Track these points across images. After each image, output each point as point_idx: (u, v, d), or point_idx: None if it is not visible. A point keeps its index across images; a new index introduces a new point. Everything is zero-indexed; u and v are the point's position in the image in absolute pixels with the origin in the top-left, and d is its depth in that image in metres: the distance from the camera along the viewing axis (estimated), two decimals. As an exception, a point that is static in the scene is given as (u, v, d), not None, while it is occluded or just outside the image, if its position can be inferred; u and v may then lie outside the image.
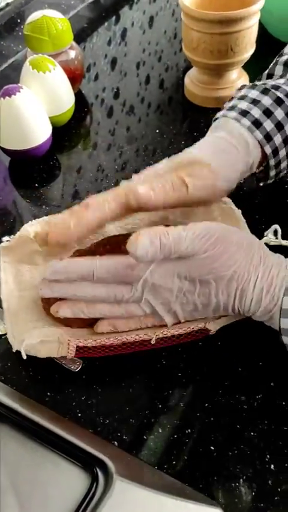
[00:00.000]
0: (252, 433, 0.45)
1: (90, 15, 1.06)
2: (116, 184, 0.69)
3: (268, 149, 0.55)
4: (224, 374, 0.49)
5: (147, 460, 0.44)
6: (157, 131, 0.77)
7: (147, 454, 0.44)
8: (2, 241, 0.56)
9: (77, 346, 0.48)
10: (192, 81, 0.79)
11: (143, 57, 0.94)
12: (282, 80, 0.58)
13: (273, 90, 0.56)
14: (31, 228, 0.56)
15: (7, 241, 0.56)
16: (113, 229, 0.58)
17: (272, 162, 0.56)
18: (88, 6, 1.07)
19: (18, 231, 0.56)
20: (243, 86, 0.59)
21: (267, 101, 0.55)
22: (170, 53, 0.94)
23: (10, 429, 0.46)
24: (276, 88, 0.56)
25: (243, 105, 0.56)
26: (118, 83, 0.88)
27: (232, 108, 0.56)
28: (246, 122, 0.54)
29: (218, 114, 0.58)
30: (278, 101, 0.55)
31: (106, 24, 1.05)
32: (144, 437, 0.45)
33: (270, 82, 0.58)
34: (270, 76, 0.62)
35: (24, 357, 0.47)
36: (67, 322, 0.50)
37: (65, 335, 0.48)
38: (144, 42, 0.98)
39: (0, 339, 0.53)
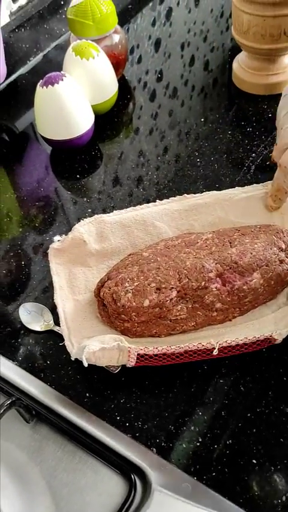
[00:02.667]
0: (296, 448, 0.43)
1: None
2: (157, 169, 0.67)
3: None
4: (268, 384, 0.47)
5: (186, 469, 0.43)
6: (200, 115, 0.74)
7: (186, 463, 0.43)
8: (54, 241, 0.55)
9: (138, 354, 0.46)
10: (241, 66, 0.75)
11: (188, 37, 0.90)
12: None
13: None
14: (83, 228, 0.55)
15: (58, 240, 0.55)
16: (168, 230, 0.56)
17: None
18: (133, -16, 1.03)
19: (60, 223, 0.55)
20: None
21: None
22: (216, 32, 0.90)
23: (49, 430, 0.46)
24: None
25: None
26: (162, 66, 0.85)
27: None
28: None
29: None
30: None
31: (151, 4, 1.02)
32: (184, 445, 0.44)
33: None
34: None
35: (86, 364, 0.46)
36: (123, 330, 0.50)
37: (125, 342, 0.47)
38: (190, 22, 0.94)
39: (41, 336, 0.52)
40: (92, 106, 0.69)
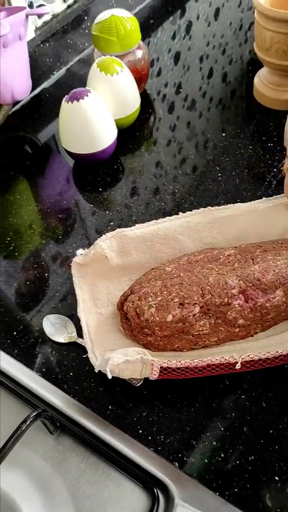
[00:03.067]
0: None
1: (156, 9, 1.04)
2: (179, 182, 0.68)
3: None
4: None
5: (208, 484, 0.43)
6: (218, 127, 0.75)
7: (208, 478, 0.43)
8: (77, 255, 0.56)
9: (161, 367, 0.47)
10: (263, 81, 0.76)
11: (206, 50, 0.91)
12: None
13: None
14: (105, 243, 0.56)
15: (81, 254, 0.55)
16: (190, 244, 0.57)
17: None
18: (155, 0, 1.04)
19: (82, 236, 0.56)
20: None
21: None
22: (235, 45, 0.91)
23: (73, 441, 0.46)
24: None
25: None
26: (181, 78, 0.86)
27: None
28: None
29: None
30: None
31: (171, 18, 1.03)
32: (205, 460, 0.45)
33: None
34: None
35: (110, 376, 0.46)
36: (146, 344, 0.50)
37: (148, 355, 0.47)
38: (209, 35, 0.95)
39: (64, 348, 0.53)
40: (115, 120, 0.70)
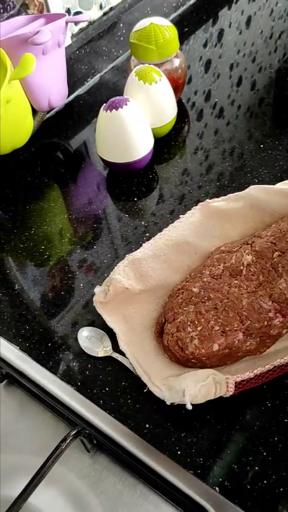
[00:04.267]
0: None
1: (190, 17, 1.04)
2: (200, 188, 0.67)
3: None
4: None
5: (250, 511, 0.41)
6: (246, 134, 0.74)
7: (250, 505, 0.42)
8: (95, 293, 0.54)
9: (236, 382, 0.46)
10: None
11: (237, 58, 0.90)
12: None
13: None
14: (120, 275, 0.53)
15: (100, 291, 0.53)
16: (203, 243, 0.57)
17: None
18: (189, 8, 1.04)
19: (118, 246, 0.54)
20: None
21: None
22: (264, 53, 0.90)
23: (110, 460, 0.45)
24: None
25: None
26: (210, 86, 0.85)
27: None
28: None
29: None
30: None
31: (204, 26, 1.02)
32: (248, 486, 0.43)
33: None
34: None
35: (190, 407, 0.45)
36: (200, 363, 0.49)
37: (220, 374, 0.46)
38: (240, 43, 0.94)
39: (99, 362, 0.52)
40: (152, 129, 0.69)
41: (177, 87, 0.77)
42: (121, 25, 0.89)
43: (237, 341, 0.48)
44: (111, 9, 0.89)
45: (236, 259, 0.52)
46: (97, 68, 0.89)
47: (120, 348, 0.51)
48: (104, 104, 0.65)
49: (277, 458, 0.44)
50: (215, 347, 0.47)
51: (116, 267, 0.55)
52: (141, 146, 0.67)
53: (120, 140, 0.65)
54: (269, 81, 0.83)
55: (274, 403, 0.47)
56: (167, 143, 0.75)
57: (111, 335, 0.53)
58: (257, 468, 0.44)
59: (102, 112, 0.65)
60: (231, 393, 0.46)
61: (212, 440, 0.46)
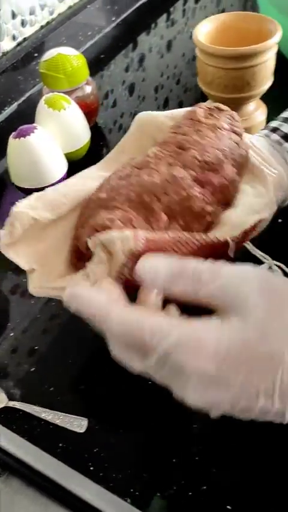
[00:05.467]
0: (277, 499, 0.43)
1: (108, 44, 1.07)
2: None
3: None
4: (232, 434, 0.47)
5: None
6: None
7: (160, 513, 0.43)
8: None
9: (146, 237, 0.39)
10: (208, 114, 0.78)
11: (161, 80, 0.94)
12: None
13: None
14: (25, 208, 0.46)
15: (5, 234, 0.46)
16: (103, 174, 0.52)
17: None
18: (105, 35, 1.08)
19: None
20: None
21: None
22: (188, 74, 0.95)
23: (21, 483, 0.45)
24: None
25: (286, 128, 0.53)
26: (136, 108, 0.88)
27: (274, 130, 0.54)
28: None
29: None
30: None
31: (123, 51, 1.06)
32: (159, 493, 0.44)
33: None
34: None
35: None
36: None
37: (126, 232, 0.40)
38: (163, 66, 0.98)
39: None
40: (65, 154, 0.71)
41: (90, 112, 0.80)
42: (35, 55, 0.92)
43: (163, 225, 0.43)
44: (24, 39, 0.91)
45: (141, 158, 0.49)
46: (14, 97, 0.90)
47: (32, 292, 0.46)
48: (13, 132, 0.67)
49: (187, 465, 0.46)
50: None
51: (16, 204, 0.48)
52: (53, 171, 0.68)
53: (31, 166, 0.67)
54: (196, 101, 0.87)
55: (183, 418, 0.49)
56: (84, 167, 0.77)
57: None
58: (166, 476, 0.45)
59: (11, 140, 0.66)
60: (141, 245, 0.39)
61: (125, 453, 0.47)
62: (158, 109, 0.87)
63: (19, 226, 0.45)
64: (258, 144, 0.52)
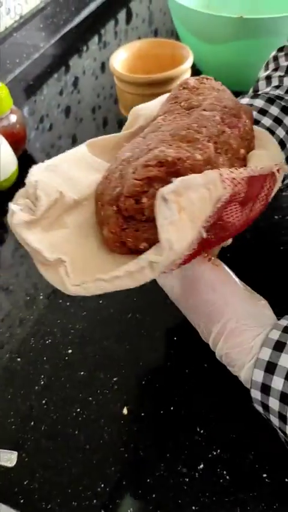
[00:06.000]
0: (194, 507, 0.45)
1: (38, 69, 1.08)
2: None
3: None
4: (163, 444, 0.49)
5: None
6: None
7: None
8: (14, 212, 0.36)
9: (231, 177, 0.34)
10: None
11: (98, 101, 0.96)
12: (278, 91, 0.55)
13: (278, 100, 0.54)
14: (45, 178, 0.37)
15: (21, 209, 0.36)
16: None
17: None
18: (34, 62, 1.09)
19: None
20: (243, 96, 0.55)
21: (274, 110, 0.53)
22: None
23: None
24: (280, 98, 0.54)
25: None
26: (75, 129, 0.89)
27: None
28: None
29: None
30: (285, 110, 0.53)
31: (56, 75, 1.08)
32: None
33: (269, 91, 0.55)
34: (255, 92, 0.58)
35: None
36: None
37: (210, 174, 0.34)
38: (98, 88, 1.00)
39: None
40: (-9, 185, 0.72)
41: (17, 141, 0.81)
42: None
43: (213, 155, 0.38)
44: None
45: (150, 125, 0.43)
46: None
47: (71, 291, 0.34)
48: None
49: (115, 490, 0.47)
50: (197, 156, 0.36)
51: (29, 172, 0.38)
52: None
53: None
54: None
55: (112, 438, 0.50)
56: (12, 195, 0.78)
57: None
58: (95, 501, 0.46)
59: None
60: (230, 190, 0.33)
61: (54, 483, 0.47)
62: (97, 129, 0.89)
63: (45, 199, 0.35)
64: None
